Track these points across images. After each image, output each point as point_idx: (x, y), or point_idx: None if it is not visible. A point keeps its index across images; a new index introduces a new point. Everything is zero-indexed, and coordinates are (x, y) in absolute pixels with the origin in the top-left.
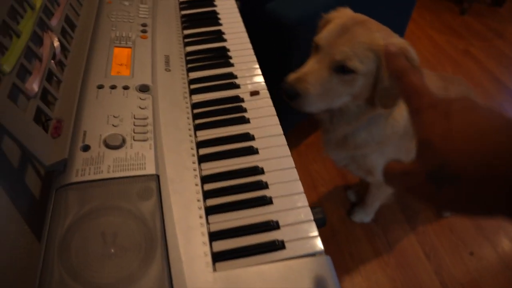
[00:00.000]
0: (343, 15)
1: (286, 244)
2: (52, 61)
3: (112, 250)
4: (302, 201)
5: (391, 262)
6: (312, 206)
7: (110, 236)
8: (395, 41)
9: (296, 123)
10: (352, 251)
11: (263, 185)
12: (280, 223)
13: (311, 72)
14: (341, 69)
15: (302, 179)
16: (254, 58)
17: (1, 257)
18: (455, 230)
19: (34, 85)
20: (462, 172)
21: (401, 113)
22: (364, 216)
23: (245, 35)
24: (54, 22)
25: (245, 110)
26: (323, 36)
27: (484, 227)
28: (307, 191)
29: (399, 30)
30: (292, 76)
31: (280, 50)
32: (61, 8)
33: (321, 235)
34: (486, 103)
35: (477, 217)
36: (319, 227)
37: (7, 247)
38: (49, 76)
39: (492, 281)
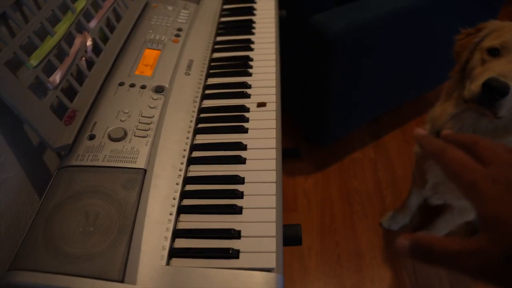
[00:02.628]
0: (507, 23)
1: (241, 255)
2: (84, 58)
3: (92, 229)
4: (271, 216)
5: None
6: (291, 224)
7: (92, 216)
8: None
9: (342, 136)
10: (374, 277)
11: (238, 195)
12: (242, 234)
13: (509, 71)
14: None
15: (338, 192)
16: (273, 69)
17: (9, 216)
18: None
19: (56, 78)
20: None
21: None
22: None
23: (273, 45)
24: (92, 24)
25: (246, 120)
26: (510, 39)
27: None
28: (340, 206)
29: None
30: (490, 75)
31: (318, 64)
32: (102, 11)
33: (342, 254)
34: None
35: None
36: (293, 244)
37: (15, 210)
38: (79, 72)
39: None
